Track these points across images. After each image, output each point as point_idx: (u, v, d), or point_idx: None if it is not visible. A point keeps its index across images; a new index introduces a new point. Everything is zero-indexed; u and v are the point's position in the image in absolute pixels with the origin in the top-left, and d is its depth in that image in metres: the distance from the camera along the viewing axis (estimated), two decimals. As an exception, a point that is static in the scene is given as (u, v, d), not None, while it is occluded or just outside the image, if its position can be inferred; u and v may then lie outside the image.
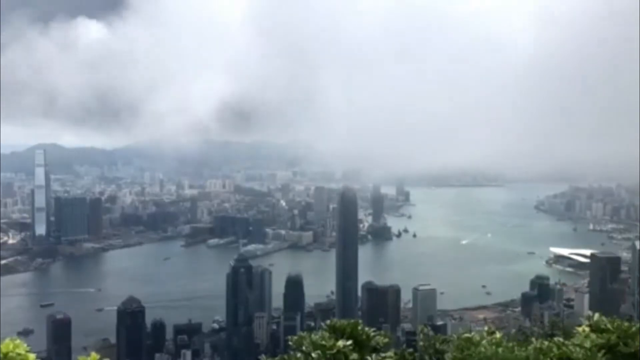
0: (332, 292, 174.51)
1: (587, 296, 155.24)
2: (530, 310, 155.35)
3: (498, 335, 7.37)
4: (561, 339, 7.02)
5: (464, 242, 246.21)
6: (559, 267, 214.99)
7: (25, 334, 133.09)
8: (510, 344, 6.91)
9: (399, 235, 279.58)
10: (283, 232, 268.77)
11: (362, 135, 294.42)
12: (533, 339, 7.48)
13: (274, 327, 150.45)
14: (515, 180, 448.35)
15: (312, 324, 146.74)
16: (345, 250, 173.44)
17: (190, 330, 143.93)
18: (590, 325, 7.31)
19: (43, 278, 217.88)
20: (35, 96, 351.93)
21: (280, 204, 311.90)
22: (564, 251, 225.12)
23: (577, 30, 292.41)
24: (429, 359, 8.31)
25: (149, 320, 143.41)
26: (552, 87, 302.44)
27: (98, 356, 6.78)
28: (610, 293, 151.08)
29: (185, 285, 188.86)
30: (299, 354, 7.10)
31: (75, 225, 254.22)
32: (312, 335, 7.19)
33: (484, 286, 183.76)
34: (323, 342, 6.98)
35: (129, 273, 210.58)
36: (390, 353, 7.52)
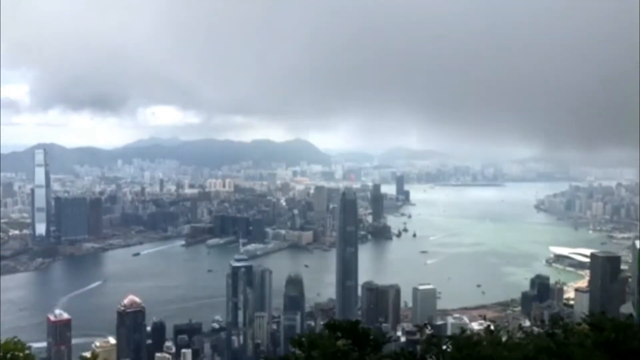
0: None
1: (587, 295, 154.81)
2: (530, 310, 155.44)
3: (498, 333, 7.36)
4: (561, 338, 7.02)
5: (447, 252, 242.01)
6: (559, 266, 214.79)
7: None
8: (510, 343, 6.91)
9: (399, 234, 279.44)
10: (283, 232, 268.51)
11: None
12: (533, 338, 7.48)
13: (274, 327, 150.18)
14: (515, 180, 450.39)
15: (312, 323, 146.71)
16: (345, 249, 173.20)
17: (190, 330, 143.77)
18: (590, 324, 7.31)
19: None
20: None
21: (280, 204, 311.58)
22: (564, 250, 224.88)
23: (576, 30, 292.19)
24: (430, 358, 8.30)
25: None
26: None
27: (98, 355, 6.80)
28: (610, 293, 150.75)
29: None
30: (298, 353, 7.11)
31: (75, 225, 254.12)
32: (312, 335, 7.19)
33: (479, 285, 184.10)
34: (323, 342, 6.98)
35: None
36: (389, 352, 7.52)
